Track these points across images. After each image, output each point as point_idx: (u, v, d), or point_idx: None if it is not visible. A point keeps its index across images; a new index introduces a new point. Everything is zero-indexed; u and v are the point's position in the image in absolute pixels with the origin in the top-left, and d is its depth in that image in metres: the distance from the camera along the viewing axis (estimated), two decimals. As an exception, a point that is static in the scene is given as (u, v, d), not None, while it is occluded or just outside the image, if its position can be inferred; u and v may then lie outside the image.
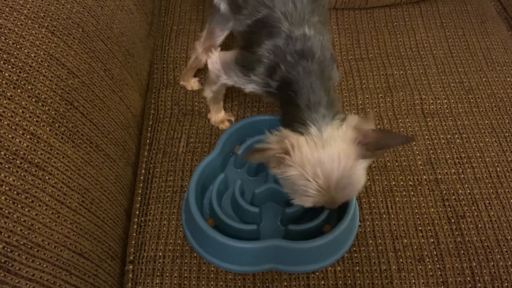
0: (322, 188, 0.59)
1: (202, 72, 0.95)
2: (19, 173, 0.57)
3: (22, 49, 0.63)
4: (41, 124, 0.62)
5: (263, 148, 0.60)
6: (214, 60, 0.76)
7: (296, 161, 0.58)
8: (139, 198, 0.80)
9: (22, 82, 0.61)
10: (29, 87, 0.62)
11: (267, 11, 0.67)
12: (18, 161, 0.57)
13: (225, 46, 0.86)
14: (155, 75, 0.97)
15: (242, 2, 0.70)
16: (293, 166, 0.59)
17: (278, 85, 0.66)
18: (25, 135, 0.59)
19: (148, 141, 0.87)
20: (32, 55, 0.64)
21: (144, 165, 0.84)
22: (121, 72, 0.85)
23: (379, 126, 0.87)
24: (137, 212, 0.79)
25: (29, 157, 0.59)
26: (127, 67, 0.88)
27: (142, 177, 0.82)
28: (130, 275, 0.72)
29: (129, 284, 0.72)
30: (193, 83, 0.93)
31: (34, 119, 0.61)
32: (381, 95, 0.92)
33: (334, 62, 0.68)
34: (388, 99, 0.91)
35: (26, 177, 0.58)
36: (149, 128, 0.89)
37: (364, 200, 0.78)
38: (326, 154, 0.58)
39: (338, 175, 0.58)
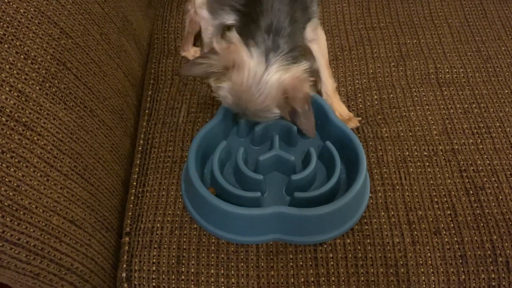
0: (237, 108, 0.65)
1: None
2: (4, 131, 0.53)
3: (11, 3, 0.59)
4: (30, 82, 0.58)
5: (202, 62, 0.62)
6: (200, 1, 0.75)
7: (232, 79, 0.62)
8: (137, 169, 0.76)
9: (9, 37, 0.58)
10: (17, 43, 0.58)
11: None
12: (3, 119, 0.53)
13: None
14: (155, 45, 0.93)
15: None
16: (228, 82, 0.63)
17: (249, 3, 0.65)
18: (12, 92, 0.55)
19: (147, 111, 0.83)
20: (21, 10, 0.60)
21: (142, 136, 0.80)
22: (119, 38, 0.81)
23: (384, 96, 0.82)
24: (135, 183, 0.74)
25: (16, 115, 0.55)
26: (125, 34, 0.84)
27: (140, 148, 0.78)
28: (126, 247, 0.68)
29: (125, 257, 0.67)
30: (193, 52, 0.89)
31: (22, 76, 0.57)
32: (393, 63, 0.87)
33: None
34: (401, 68, 0.86)
35: (12, 135, 0.54)
36: (148, 98, 0.84)
37: (375, 171, 0.73)
38: (255, 89, 0.61)
39: (253, 110, 0.64)
